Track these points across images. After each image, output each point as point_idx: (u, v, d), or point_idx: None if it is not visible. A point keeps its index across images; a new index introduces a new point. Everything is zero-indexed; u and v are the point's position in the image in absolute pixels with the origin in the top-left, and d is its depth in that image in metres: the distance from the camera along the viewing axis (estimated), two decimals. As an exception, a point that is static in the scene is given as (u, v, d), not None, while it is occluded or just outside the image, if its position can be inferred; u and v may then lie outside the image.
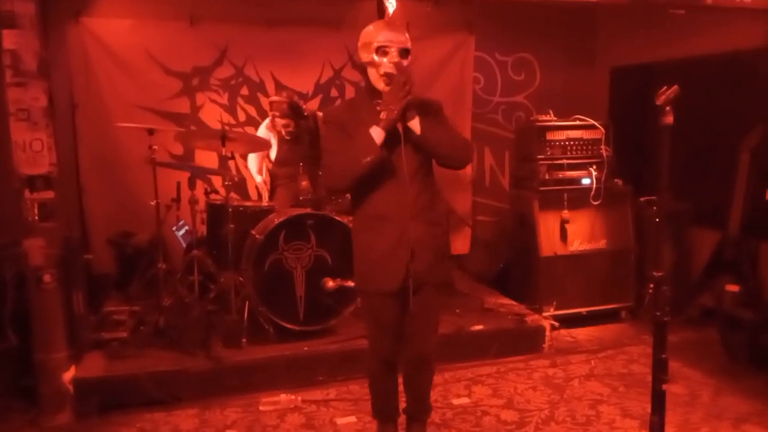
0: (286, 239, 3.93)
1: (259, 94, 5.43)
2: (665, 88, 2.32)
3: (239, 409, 3.54)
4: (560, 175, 4.84)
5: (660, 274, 2.40)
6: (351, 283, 3.86)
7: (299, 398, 3.60)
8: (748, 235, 4.09)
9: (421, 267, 2.62)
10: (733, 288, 4.05)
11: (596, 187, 4.81)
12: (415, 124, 2.52)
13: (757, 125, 4.11)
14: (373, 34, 2.54)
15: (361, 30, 2.63)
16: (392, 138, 2.51)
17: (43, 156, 3.38)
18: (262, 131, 4.86)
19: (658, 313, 2.39)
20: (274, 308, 3.93)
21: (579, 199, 4.83)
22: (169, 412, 3.50)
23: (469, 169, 5.78)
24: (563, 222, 4.81)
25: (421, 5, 5.18)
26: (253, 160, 4.97)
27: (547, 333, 4.35)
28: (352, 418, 3.41)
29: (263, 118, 5.38)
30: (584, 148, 4.92)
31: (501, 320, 4.44)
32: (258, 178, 4.94)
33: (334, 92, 5.59)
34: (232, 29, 5.22)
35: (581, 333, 4.72)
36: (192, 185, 4.30)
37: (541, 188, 4.80)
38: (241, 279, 4.08)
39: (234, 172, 5.22)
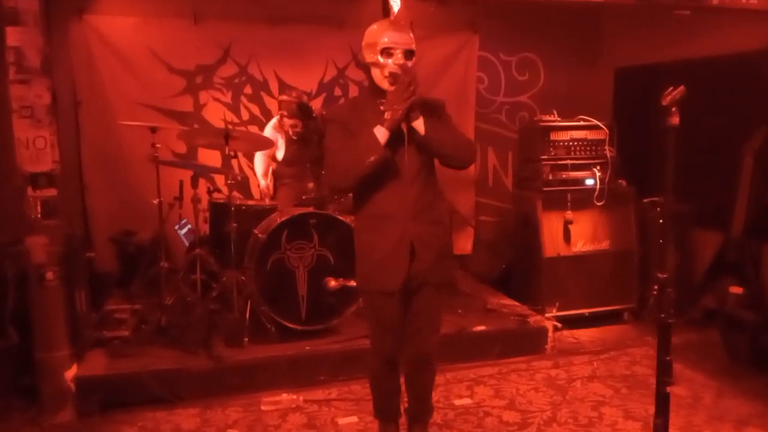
0: (289, 238, 3.93)
1: (262, 93, 5.42)
2: (671, 88, 2.31)
3: (240, 408, 3.54)
4: (564, 176, 4.83)
5: (664, 275, 2.39)
6: (353, 283, 3.85)
7: (301, 398, 3.60)
8: (751, 236, 4.08)
9: (423, 266, 2.62)
10: (736, 290, 4.04)
11: (600, 188, 4.80)
12: (419, 125, 2.52)
13: (760, 127, 4.10)
14: (378, 34, 2.54)
15: (365, 29, 2.63)
16: (396, 138, 2.50)
17: (46, 153, 3.38)
18: (269, 131, 4.84)
19: (662, 315, 2.38)
20: (276, 307, 3.93)
21: (582, 199, 4.82)
22: (171, 411, 3.50)
23: (472, 169, 5.76)
24: (566, 223, 4.80)
25: (426, 5, 5.17)
26: (259, 163, 4.94)
27: (550, 334, 4.34)
28: (354, 418, 3.41)
29: (267, 117, 5.38)
30: (588, 148, 4.91)
31: (503, 321, 4.43)
32: (262, 183, 4.92)
33: (337, 91, 5.58)
34: (236, 27, 5.21)
35: (584, 334, 4.71)
36: (195, 184, 4.30)
37: (545, 189, 4.79)
38: (243, 278, 4.08)
39: (237, 170, 5.22)
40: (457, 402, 3.59)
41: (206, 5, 5.07)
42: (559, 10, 5.38)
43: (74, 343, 3.58)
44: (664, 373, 2.39)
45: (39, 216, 3.37)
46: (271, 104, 5.38)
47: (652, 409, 2.51)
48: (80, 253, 3.98)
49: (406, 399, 2.94)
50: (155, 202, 4.10)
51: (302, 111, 4.53)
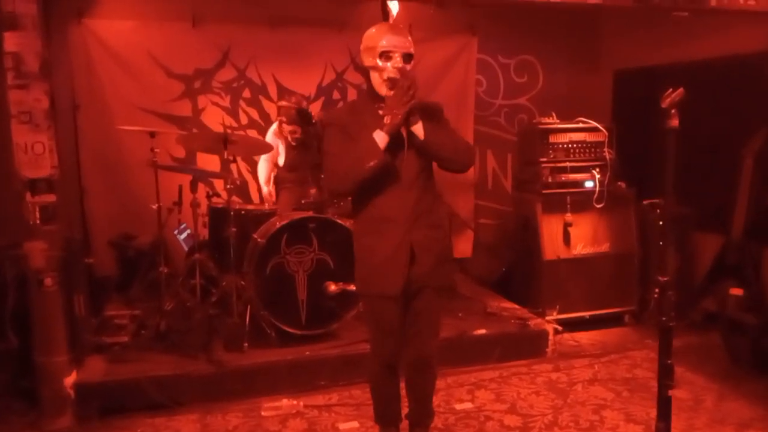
0: (288, 243, 3.92)
1: (261, 97, 5.42)
2: (670, 90, 2.31)
3: (241, 413, 3.53)
4: (563, 178, 4.83)
5: (665, 278, 2.38)
6: (353, 287, 3.84)
7: (301, 403, 3.59)
8: (751, 239, 4.07)
9: (423, 270, 2.62)
10: (736, 292, 4.03)
11: (599, 190, 4.79)
12: (418, 129, 2.51)
13: (760, 129, 4.09)
14: (377, 38, 2.53)
15: (363, 32, 2.62)
16: (395, 142, 2.50)
17: (44, 159, 3.37)
18: (270, 137, 4.81)
19: (663, 318, 2.38)
20: (276, 312, 3.92)
21: (582, 202, 4.82)
22: (171, 417, 3.48)
23: (471, 172, 5.75)
24: (566, 225, 4.79)
25: (424, 7, 5.18)
26: (262, 170, 4.92)
27: (550, 337, 4.33)
28: (355, 424, 3.40)
29: (265, 121, 5.38)
30: (587, 150, 4.91)
31: (504, 324, 4.42)
32: (265, 189, 4.90)
33: (336, 95, 5.58)
34: (235, 30, 5.20)
35: (584, 337, 4.70)
36: (194, 188, 4.29)
37: (544, 191, 4.79)
38: (242, 282, 4.07)
39: (236, 175, 5.21)
40: (458, 406, 3.58)
41: (205, 8, 5.06)
42: (557, 12, 5.38)
43: (73, 348, 3.57)
44: (665, 377, 2.39)
45: (38, 221, 3.36)
46: (270, 108, 5.37)
47: (653, 412, 2.51)
48: (79, 258, 3.97)
49: (407, 403, 2.93)
50: (154, 206, 4.10)
51: (301, 117, 4.52)
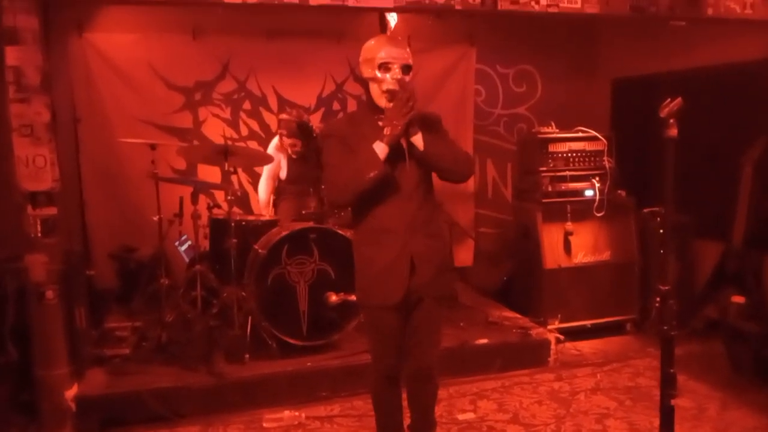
0: (289, 253, 3.92)
1: (261, 109, 5.44)
2: (669, 100, 2.32)
3: (242, 425, 3.51)
4: (563, 187, 4.83)
5: (666, 287, 2.38)
6: (354, 297, 3.84)
7: (303, 415, 3.57)
8: (751, 247, 4.07)
9: (423, 280, 2.61)
10: (737, 300, 4.02)
11: (599, 199, 4.80)
12: (418, 140, 2.52)
13: (759, 137, 4.11)
14: (376, 49, 2.55)
15: (363, 43, 2.63)
16: (395, 153, 2.51)
17: (45, 172, 3.38)
18: (271, 152, 4.79)
19: (665, 328, 2.38)
20: (277, 323, 3.91)
21: (582, 210, 4.82)
22: (172, 429, 3.47)
23: (471, 181, 5.77)
24: (567, 234, 4.79)
25: (423, 18, 5.20)
26: (263, 190, 4.91)
27: (552, 346, 4.32)
28: (356, 434, 3.39)
29: (266, 133, 5.39)
30: (587, 159, 4.91)
31: (505, 334, 4.41)
32: (263, 201, 4.91)
33: (336, 106, 5.60)
34: (235, 42, 5.23)
35: (586, 346, 4.68)
36: (194, 200, 4.30)
37: (544, 200, 4.79)
38: (243, 294, 4.07)
39: (237, 186, 5.22)
40: (461, 416, 3.57)
41: (205, 21, 5.08)
42: (555, 22, 5.40)
43: (74, 360, 3.56)
44: (668, 386, 2.38)
45: (39, 234, 3.37)
46: (270, 119, 5.39)
47: (656, 421, 2.50)
48: (80, 270, 3.97)
49: (409, 414, 2.92)
50: (155, 218, 4.10)
51: (302, 131, 4.50)
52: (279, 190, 4.88)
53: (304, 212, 4.33)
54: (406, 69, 2.55)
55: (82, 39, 4.90)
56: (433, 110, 2.82)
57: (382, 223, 2.60)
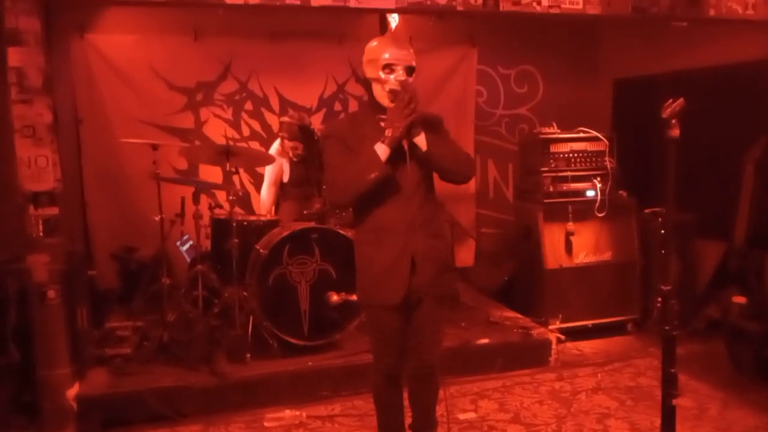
0: (291, 253, 3.93)
1: (263, 109, 5.44)
2: (671, 101, 2.32)
3: (243, 425, 3.52)
4: (564, 188, 4.83)
5: (667, 287, 2.39)
6: (355, 297, 3.84)
7: (304, 414, 3.58)
8: (753, 246, 4.07)
9: (424, 280, 2.61)
10: (739, 299, 4.02)
11: (601, 199, 4.80)
12: (421, 140, 2.53)
13: (761, 137, 4.10)
14: (380, 50, 2.55)
15: (364, 44, 2.64)
16: (396, 153, 2.51)
17: (47, 172, 3.39)
18: (273, 154, 4.81)
19: (666, 327, 2.38)
20: (278, 323, 3.92)
21: (583, 211, 4.82)
22: (173, 429, 3.48)
23: (472, 182, 5.77)
24: (568, 234, 4.79)
25: (424, 19, 5.20)
26: (265, 192, 4.91)
27: (553, 346, 4.32)
28: (358, 434, 3.40)
29: (267, 133, 5.40)
30: (588, 160, 4.91)
31: (507, 333, 4.41)
32: (265, 209, 4.91)
33: (337, 106, 5.60)
34: (236, 43, 5.24)
35: (587, 346, 4.68)
36: (196, 200, 4.31)
37: (546, 200, 4.79)
38: (245, 294, 4.07)
39: (238, 186, 5.23)
40: (462, 416, 3.57)
41: (206, 22, 5.08)
42: (556, 23, 5.41)
43: (76, 360, 3.57)
44: (669, 386, 2.38)
45: (40, 234, 3.37)
46: (272, 120, 5.40)
47: (657, 421, 2.50)
48: (81, 271, 3.98)
49: (410, 413, 2.93)
50: (157, 218, 4.10)
51: (303, 133, 4.49)
52: (282, 192, 4.88)
53: (305, 212, 4.33)
54: (409, 70, 2.56)
55: (83, 40, 4.91)
56: (435, 111, 2.83)
57: (383, 223, 2.60)
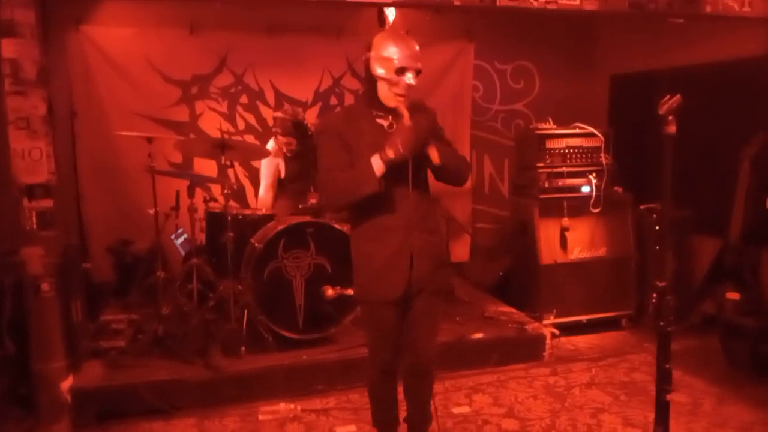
0: (286, 247, 3.92)
1: (258, 103, 5.43)
2: (667, 97, 2.32)
3: (238, 418, 3.52)
4: (560, 183, 4.84)
5: (663, 283, 2.39)
6: (350, 292, 3.84)
7: (298, 407, 3.58)
8: (748, 242, 4.08)
9: (420, 275, 2.62)
10: (734, 296, 4.03)
11: (596, 195, 4.80)
12: (434, 154, 2.54)
13: (757, 133, 4.12)
14: (393, 51, 2.52)
15: (361, 38, 2.62)
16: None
17: (42, 164, 3.37)
18: (269, 158, 4.75)
19: (661, 323, 2.38)
20: (274, 317, 3.91)
21: (579, 206, 4.82)
22: (168, 422, 3.48)
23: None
24: (563, 230, 4.80)
25: (421, 13, 5.19)
26: (263, 195, 4.88)
27: (548, 341, 4.33)
28: (352, 428, 3.39)
29: (262, 127, 5.39)
30: (584, 155, 4.92)
31: (501, 328, 4.43)
32: (261, 200, 4.89)
33: (333, 100, 5.59)
34: (232, 37, 5.22)
35: (582, 341, 4.70)
36: (191, 193, 4.28)
37: (541, 196, 4.80)
38: (240, 287, 4.07)
39: (233, 180, 5.21)
40: (456, 410, 3.58)
41: (202, 15, 5.07)
42: (553, 18, 5.40)
43: (71, 353, 3.56)
44: (664, 381, 2.39)
45: (35, 227, 3.36)
46: (267, 114, 5.38)
47: (651, 416, 2.51)
48: (76, 264, 3.96)
49: (405, 407, 2.93)
50: (151, 211, 4.09)
51: (297, 129, 4.47)
52: (279, 188, 4.86)
53: (301, 206, 4.33)
54: (418, 74, 2.56)
55: (79, 33, 4.89)
56: (430, 105, 2.82)
57: (381, 220, 2.60)
